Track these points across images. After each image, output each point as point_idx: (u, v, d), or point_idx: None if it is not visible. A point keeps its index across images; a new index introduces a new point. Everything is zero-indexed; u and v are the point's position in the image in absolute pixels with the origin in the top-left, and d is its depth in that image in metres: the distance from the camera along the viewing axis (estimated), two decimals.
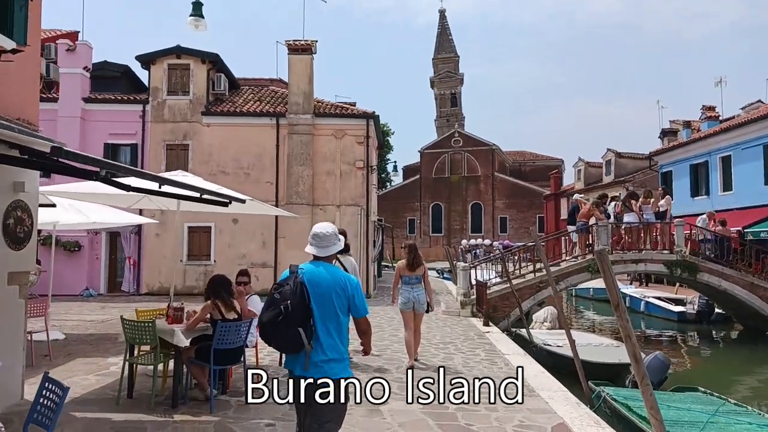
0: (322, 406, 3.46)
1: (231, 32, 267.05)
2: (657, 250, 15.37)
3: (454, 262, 29.94)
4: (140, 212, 19.57)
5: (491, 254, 53.53)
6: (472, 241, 61.23)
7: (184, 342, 6.18)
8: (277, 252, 19.60)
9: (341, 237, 3.96)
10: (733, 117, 31.42)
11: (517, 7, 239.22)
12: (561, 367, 10.25)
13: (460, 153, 72.81)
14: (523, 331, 13.36)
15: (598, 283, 18.78)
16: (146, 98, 20.12)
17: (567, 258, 17.25)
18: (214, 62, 20.28)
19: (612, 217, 16.40)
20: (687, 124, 31.51)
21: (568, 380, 8.85)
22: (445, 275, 36.67)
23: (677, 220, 15.50)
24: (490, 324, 13.55)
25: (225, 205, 6.78)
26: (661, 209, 15.42)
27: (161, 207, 8.73)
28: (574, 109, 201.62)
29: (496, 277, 17.92)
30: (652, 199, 15.58)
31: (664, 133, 38.69)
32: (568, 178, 52.77)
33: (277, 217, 19.59)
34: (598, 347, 11.01)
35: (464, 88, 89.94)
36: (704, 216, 17.28)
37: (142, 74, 20.91)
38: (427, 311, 8.96)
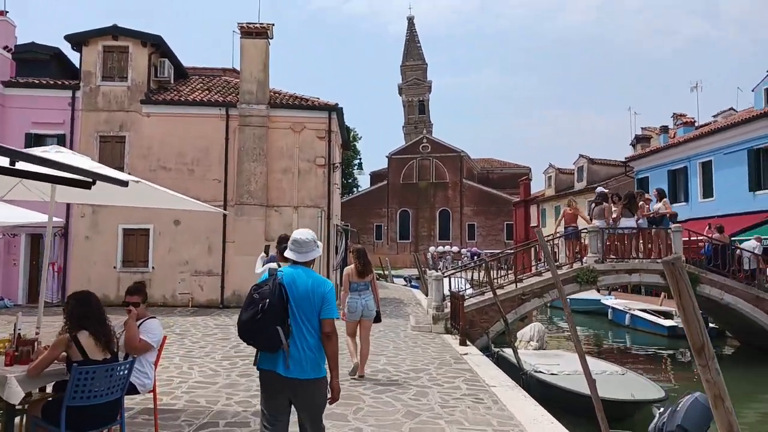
0: (306, 405, 3.72)
1: (188, 21, 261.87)
2: (651, 258, 13.71)
3: (424, 269, 28.05)
4: (67, 208, 17.21)
5: (460, 261, 51.98)
6: (440, 248, 59.77)
7: (17, 395, 4.03)
8: (224, 258, 17.34)
9: (319, 243, 4.00)
10: (708, 123, 30.51)
11: (486, 18, 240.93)
12: (556, 400, 8.38)
13: (428, 159, 71.48)
14: (507, 352, 11.47)
15: (579, 294, 17.13)
16: (77, 83, 17.69)
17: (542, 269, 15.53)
18: (157, 45, 17.98)
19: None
20: (664, 129, 30.45)
21: (566, 419, 6.99)
22: (413, 283, 34.82)
23: (675, 225, 13.88)
24: (468, 343, 11.63)
25: (88, 186, 4.67)
26: (660, 213, 13.77)
27: (42, 198, 6.50)
28: (541, 119, 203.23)
29: (468, 287, 16.08)
30: (652, 202, 13.95)
31: (638, 140, 37.71)
32: (537, 186, 51.62)
33: (225, 219, 17.38)
34: (600, 375, 9.10)
35: (432, 97, 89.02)
36: None
37: (76, 58, 18.46)
38: (377, 320, 8.34)
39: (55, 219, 11.62)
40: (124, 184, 4.60)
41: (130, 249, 17.44)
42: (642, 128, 39.77)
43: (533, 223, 47.24)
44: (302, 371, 3.64)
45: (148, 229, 17.41)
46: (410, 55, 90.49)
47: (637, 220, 13.62)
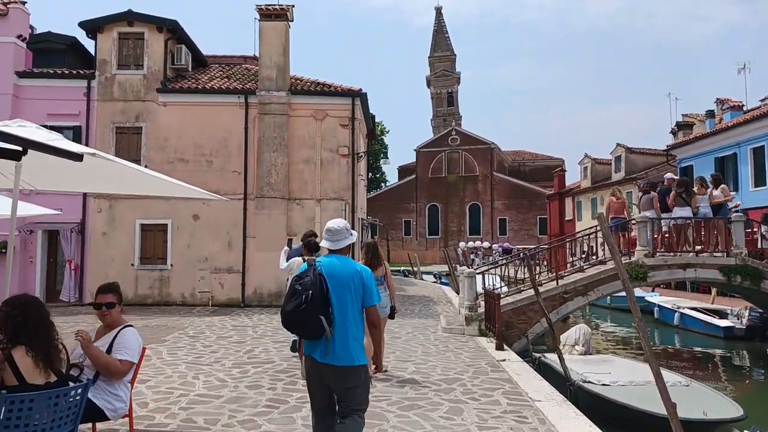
0: (347, 392, 3.82)
1: (209, 9, 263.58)
2: (709, 252, 12.36)
3: (455, 265, 26.92)
4: (84, 198, 16.58)
5: (491, 257, 50.63)
6: (470, 244, 58.43)
7: None
8: (245, 255, 16.50)
9: (353, 231, 4.11)
10: (757, 107, 28.59)
11: (512, 10, 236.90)
12: (609, 416, 7.24)
13: (457, 152, 70.03)
14: (550, 357, 10.34)
15: (622, 290, 15.78)
16: (92, 73, 17.02)
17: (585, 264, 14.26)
18: (173, 31, 17.20)
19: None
20: (710, 114, 28.59)
21: None
22: (443, 280, 33.67)
23: (736, 214, 12.50)
24: (505, 347, 10.52)
25: (17, 157, 3.71)
26: (717, 200, 12.37)
27: (28, 186, 5.62)
28: (571, 111, 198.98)
29: (501, 285, 14.92)
30: (711, 189, 12.56)
31: (679, 127, 35.78)
32: (570, 178, 49.79)
33: (245, 213, 16.55)
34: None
35: (461, 90, 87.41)
36: None
37: (92, 47, 17.79)
38: (391, 317, 7.60)
39: (68, 215, 10.85)
40: (77, 157, 3.62)
41: (148, 245, 16.74)
42: (683, 115, 37.75)
43: (568, 217, 45.58)
44: (342, 358, 3.76)
45: (166, 225, 16.68)
46: (438, 46, 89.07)
47: (694, 210, 12.26)
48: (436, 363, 8.93)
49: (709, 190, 12.46)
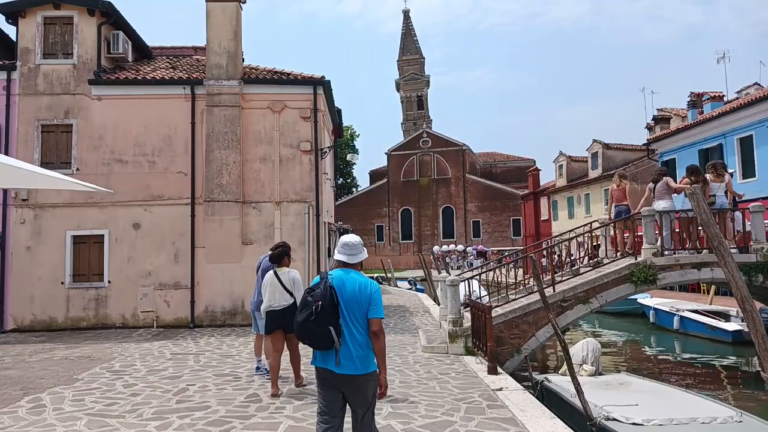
0: (357, 398, 4.02)
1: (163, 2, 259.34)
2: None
3: (432, 271, 25.15)
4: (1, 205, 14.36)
5: (466, 260, 48.96)
6: (444, 247, 56.87)
7: None
8: (194, 268, 14.41)
9: (364, 249, 4.32)
10: (736, 98, 27.61)
11: (478, 14, 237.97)
12: None
13: (429, 154, 68.67)
14: (554, 381, 8.57)
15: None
16: (12, 63, 14.79)
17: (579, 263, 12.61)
18: (108, 15, 15.06)
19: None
20: (693, 105, 27.43)
21: None
22: (418, 286, 31.86)
23: (754, 204, 10.97)
24: (499, 370, 8.73)
25: None
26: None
27: None
28: (540, 113, 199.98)
29: (482, 292, 13.20)
30: (727, 176, 11.02)
31: (656, 121, 34.78)
32: (544, 178, 48.57)
33: (193, 220, 14.49)
34: (710, 425, 6.12)
35: (430, 94, 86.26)
36: None
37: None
38: None
39: None
40: None
41: (81, 260, 14.52)
42: (658, 109, 36.77)
43: (544, 217, 44.32)
44: (353, 367, 3.94)
45: (103, 236, 14.50)
46: (407, 50, 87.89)
47: (709, 200, 10.68)
48: (418, 398, 7.08)
49: (727, 177, 10.93)
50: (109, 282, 14.40)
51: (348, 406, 4.10)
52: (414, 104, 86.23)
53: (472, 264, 56.14)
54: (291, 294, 7.14)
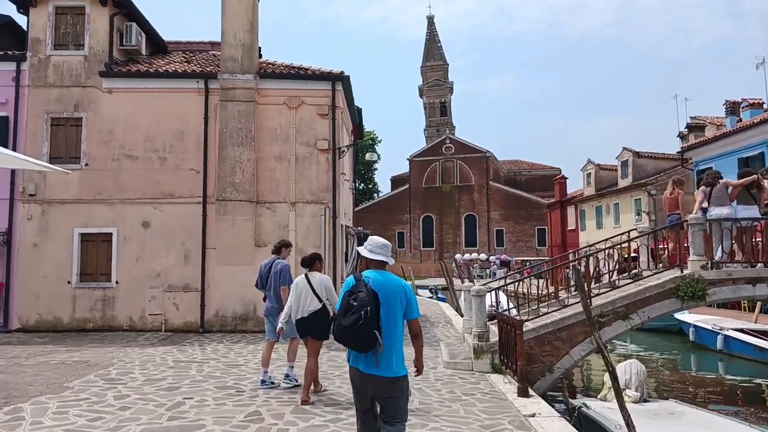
0: (391, 402, 3.96)
1: None
2: None
3: (455, 280, 24.19)
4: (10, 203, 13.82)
5: (488, 269, 47.74)
6: (467, 256, 55.74)
7: None
8: (205, 270, 13.70)
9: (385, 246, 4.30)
10: None
11: (502, 23, 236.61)
12: None
13: (451, 161, 67.66)
14: (594, 408, 7.59)
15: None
16: (23, 54, 14.30)
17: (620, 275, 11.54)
18: (121, 5, 14.51)
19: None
20: (731, 111, 26.10)
21: None
22: (439, 295, 30.86)
23: None
24: (531, 392, 7.79)
25: None
26: None
27: None
28: (566, 121, 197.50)
29: (509, 304, 12.26)
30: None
31: (690, 129, 33.35)
32: (570, 187, 47.10)
33: (205, 219, 13.80)
34: None
35: (453, 101, 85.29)
36: None
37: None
38: None
39: None
40: None
41: (88, 259, 13.91)
42: (691, 117, 35.35)
43: (571, 226, 43.01)
44: (385, 370, 3.92)
45: (111, 234, 13.88)
46: (431, 56, 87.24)
47: (764, 209, 9.64)
48: (440, 424, 6.19)
49: None
50: (116, 282, 13.77)
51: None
52: (437, 110, 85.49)
53: (495, 274, 55.05)
54: (320, 299, 7.00)
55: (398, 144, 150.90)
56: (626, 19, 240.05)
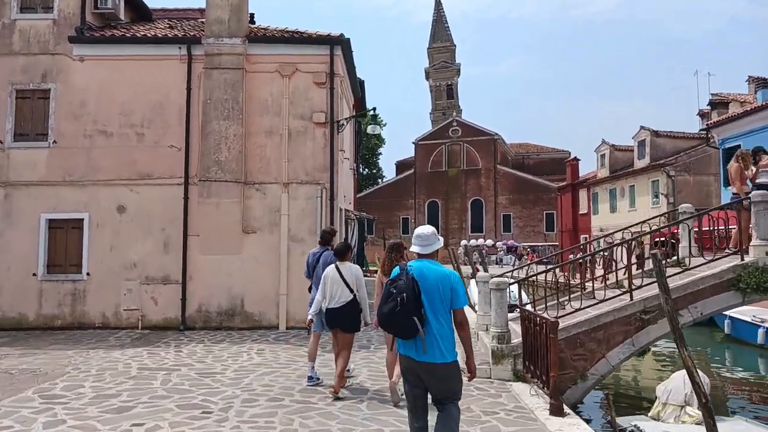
0: (442, 387, 4.12)
1: None
2: None
3: (462, 267, 22.66)
4: None
5: (495, 256, 46.03)
6: (473, 242, 54.13)
7: None
8: (186, 259, 12.22)
9: (439, 237, 4.46)
10: None
11: (510, 3, 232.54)
12: None
13: (458, 144, 65.91)
14: (647, 428, 6.12)
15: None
16: None
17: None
18: None
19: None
20: (762, 84, 24.27)
21: None
22: None
23: None
24: (566, 410, 6.33)
25: None
26: None
27: None
28: (575, 104, 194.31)
29: (525, 296, 10.78)
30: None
31: (713, 106, 31.54)
32: (581, 170, 45.26)
33: (187, 202, 12.31)
34: None
35: (460, 84, 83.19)
36: None
37: None
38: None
39: None
40: None
41: (57, 248, 12.45)
42: (712, 94, 33.51)
43: (582, 210, 41.35)
44: (434, 356, 4.05)
45: (82, 220, 12.41)
46: (437, 37, 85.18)
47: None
48: None
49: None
50: (88, 274, 12.31)
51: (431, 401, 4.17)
52: (443, 93, 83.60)
53: (501, 260, 53.47)
54: (351, 290, 6.76)
55: (404, 130, 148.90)
56: (636, 1, 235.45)
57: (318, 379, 7.32)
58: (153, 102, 12.60)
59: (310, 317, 7.08)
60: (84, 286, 12.29)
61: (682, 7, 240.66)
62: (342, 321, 6.71)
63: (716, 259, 8.36)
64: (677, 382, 6.66)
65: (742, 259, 8.24)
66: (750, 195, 8.55)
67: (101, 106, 12.60)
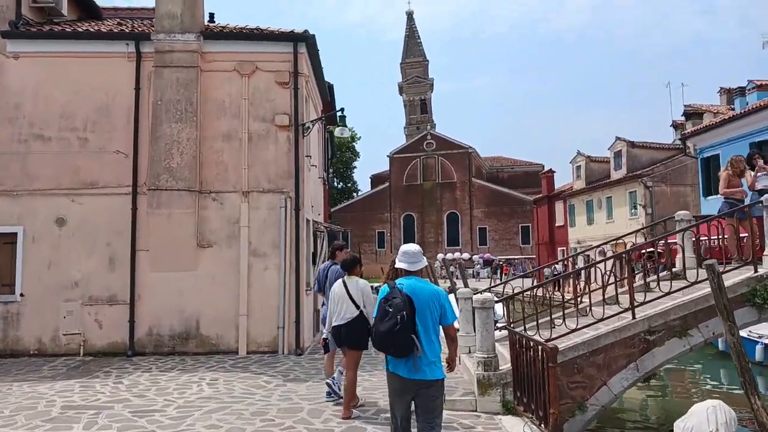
0: (432, 404, 4.16)
1: None
2: None
3: (440, 281, 21.64)
4: None
5: (472, 269, 45.22)
6: (449, 255, 53.30)
7: None
8: (135, 277, 10.94)
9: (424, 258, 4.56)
10: None
11: (481, 22, 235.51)
12: None
13: (433, 157, 65.36)
14: None
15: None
16: None
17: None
18: None
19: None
20: (740, 93, 23.98)
21: None
22: None
23: None
24: None
25: None
26: None
27: None
28: (547, 118, 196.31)
29: (502, 314, 9.74)
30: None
31: (687, 116, 31.36)
32: (556, 183, 44.79)
33: (135, 214, 11.05)
34: None
35: (434, 98, 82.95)
36: None
37: None
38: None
39: None
40: None
41: None
42: (685, 106, 33.37)
43: (559, 222, 40.80)
44: (426, 373, 4.09)
45: (15, 234, 11.05)
46: (410, 52, 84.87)
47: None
48: None
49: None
50: (22, 295, 10.94)
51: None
52: (417, 108, 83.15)
53: (478, 273, 52.72)
54: (357, 306, 6.47)
55: (379, 145, 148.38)
56: (604, 19, 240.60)
57: (338, 390, 6.99)
58: (97, 104, 11.36)
59: (324, 336, 6.91)
60: (17, 308, 10.91)
61: (647, 23, 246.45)
62: (347, 338, 6.47)
63: (726, 272, 7.45)
64: (700, 420, 5.63)
65: (756, 271, 7.35)
66: (760, 200, 7.68)
67: (38, 108, 11.32)
